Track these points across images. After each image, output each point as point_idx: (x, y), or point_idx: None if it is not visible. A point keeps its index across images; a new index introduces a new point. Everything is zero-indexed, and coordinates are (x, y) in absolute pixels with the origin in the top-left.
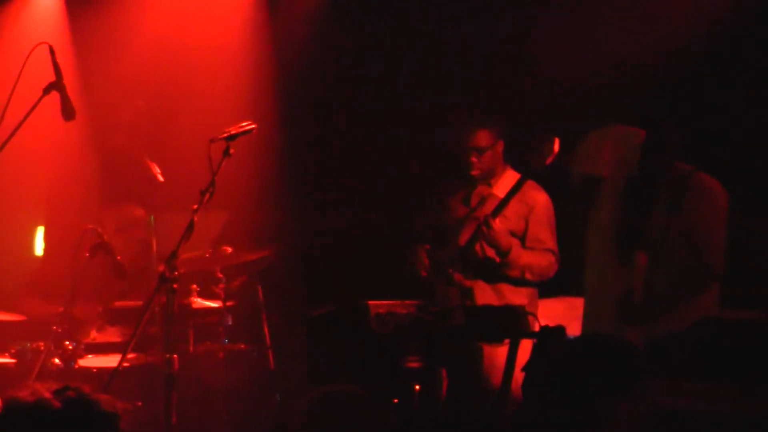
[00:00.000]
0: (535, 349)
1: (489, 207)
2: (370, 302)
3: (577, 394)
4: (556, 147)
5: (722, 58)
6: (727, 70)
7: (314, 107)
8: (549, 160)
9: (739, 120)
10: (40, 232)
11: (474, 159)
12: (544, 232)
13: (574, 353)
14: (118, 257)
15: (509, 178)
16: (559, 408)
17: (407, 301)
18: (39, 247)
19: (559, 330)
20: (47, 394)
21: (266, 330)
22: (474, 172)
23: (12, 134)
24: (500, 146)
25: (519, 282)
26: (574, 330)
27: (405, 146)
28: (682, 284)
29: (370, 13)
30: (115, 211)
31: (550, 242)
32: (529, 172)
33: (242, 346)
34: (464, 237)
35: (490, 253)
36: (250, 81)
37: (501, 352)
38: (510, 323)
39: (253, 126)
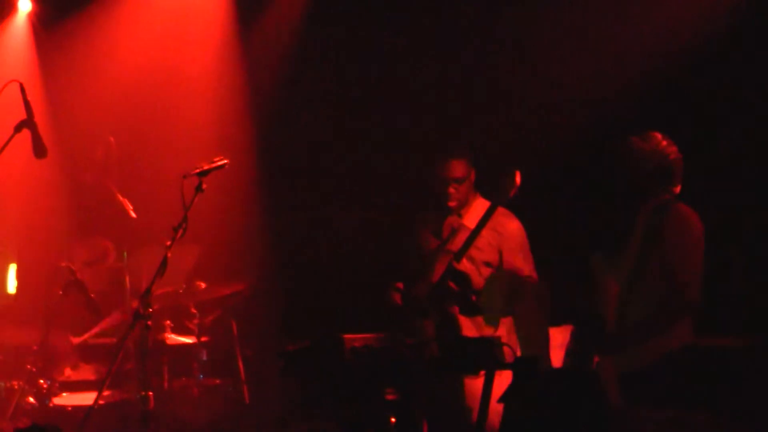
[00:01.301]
0: (514, 380)
1: (460, 239)
2: (346, 336)
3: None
4: (518, 180)
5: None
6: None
7: (288, 136)
8: (512, 193)
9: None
10: (12, 269)
11: (452, 190)
12: (519, 260)
13: (548, 388)
14: (92, 294)
15: (479, 207)
16: None
17: (383, 335)
18: (12, 285)
19: (534, 359)
20: None
21: (241, 364)
22: (452, 203)
23: None
24: (473, 176)
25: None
26: (556, 360)
27: (379, 176)
28: (659, 314)
29: (346, 37)
30: (85, 243)
31: (528, 268)
32: (497, 201)
33: (217, 381)
34: (438, 271)
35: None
36: (224, 111)
37: (480, 383)
38: (484, 354)
39: (226, 161)
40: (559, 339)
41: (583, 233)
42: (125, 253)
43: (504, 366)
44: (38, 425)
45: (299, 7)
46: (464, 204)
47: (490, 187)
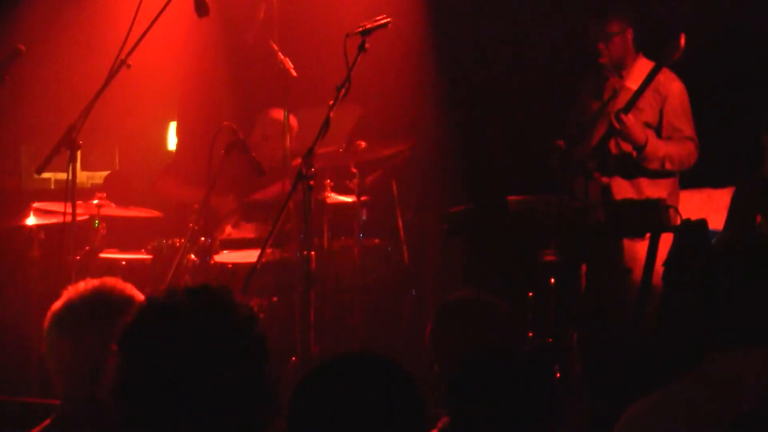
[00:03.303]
0: (677, 243)
1: (621, 100)
2: (510, 198)
3: (725, 294)
4: (683, 42)
5: None
6: None
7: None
8: (676, 56)
9: None
10: (172, 127)
11: (601, 46)
12: (680, 121)
13: (721, 254)
14: (254, 154)
15: (641, 67)
16: (704, 306)
17: (547, 197)
18: (172, 142)
19: (701, 223)
20: (183, 296)
21: (400, 225)
22: (603, 59)
23: (147, 30)
24: (629, 34)
25: (658, 174)
26: (715, 223)
27: (538, 38)
28: None
29: None
30: (266, 118)
31: (688, 130)
32: (660, 63)
33: (377, 241)
34: (598, 133)
35: (626, 147)
36: None
37: (641, 245)
38: (651, 217)
39: (389, 20)
40: (720, 202)
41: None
42: (286, 112)
43: (670, 229)
44: (208, 286)
45: None
46: (623, 64)
47: (654, 49)
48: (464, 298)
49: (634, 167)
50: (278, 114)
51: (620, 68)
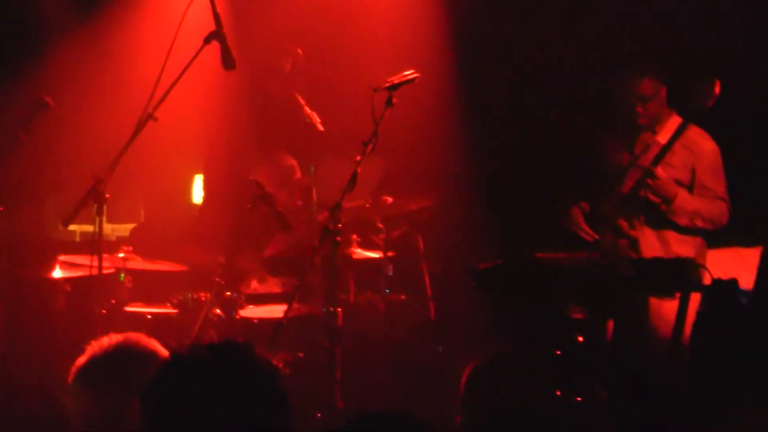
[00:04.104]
0: (707, 303)
1: (652, 155)
2: (538, 255)
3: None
4: (717, 89)
5: None
6: None
7: (481, 56)
8: (710, 103)
9: None
10: (198, 180)
11: (640, 109)
12: (712, 181)
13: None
14: (280, 208)
15: (674, 123)
16: (734, 368)
17: (576, 254)
18: (197, 195)
19: (732, 283)
20: (206, 352)
21: (427, 280)
22: (642, 121)
23: (173, 84)
24: (663, 92)
25: (686, 231)
26: (746, 282)
27: (567, 94)
28: None
29: None
30: (270, 161)
31: (720, 190)
32: (689, 116)
33: (403, 296)
34: (628, 185)
35: (656, 201)
36: (416, 26)
37: (667, 303)
38: (681, 276)
39: (417, 75)
40: (749, 260)
41: None
42: (312, 167)
43: (701, 288)
44: (233, 340)
45: None
46: (657, 121)
47: (684, 97)
48: (495, 356)
49: (663, 220)
50: (284, 158)
51: (654, 124)
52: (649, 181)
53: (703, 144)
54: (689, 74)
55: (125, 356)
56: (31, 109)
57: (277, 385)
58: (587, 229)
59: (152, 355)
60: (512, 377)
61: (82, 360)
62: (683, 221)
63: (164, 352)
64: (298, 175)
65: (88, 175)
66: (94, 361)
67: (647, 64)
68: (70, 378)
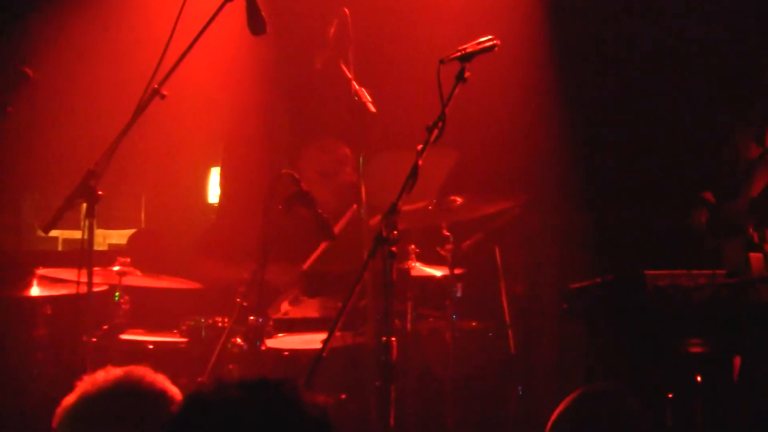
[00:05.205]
0: None
1: None
2: (647, 272)
3: None
4: None
5: None
6: None
7: (585, 29)
8: None
9: None
10: (214, 174)
11: None
12: None
13: None
14: (320, 210)
15: None
16: None
17: (695, 271)
18: (213, 194)
19: None
20: (237, 392)
21: (505, 304)
22: None
23: (186, 52)
24: None
25: None
26: None
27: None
28: None
29: None
30: (319, 147)
31: None
32: None
33: (474, 323)
34: (758, 185)
35: None
36: None
37: None
38: None
39: (495, 42)
40: None
41: None
42: (361, 159)
43: None
44: (267, 377)
45: None
46: None
47: None
48: (586, 399)
49: None
50: (338, 146)
51: None
52: None
53: None
54: None
55: (127, 396)
56: (7, 84)
57: None
58: (711, 236)
59: (161, 395)
60: (609, 426)
61: (70, 400)
62: None
63: (176, 392)
64: (351, 165)
65: (75, 168)
66: (86, 400)
67: None
68: (55, 423)
